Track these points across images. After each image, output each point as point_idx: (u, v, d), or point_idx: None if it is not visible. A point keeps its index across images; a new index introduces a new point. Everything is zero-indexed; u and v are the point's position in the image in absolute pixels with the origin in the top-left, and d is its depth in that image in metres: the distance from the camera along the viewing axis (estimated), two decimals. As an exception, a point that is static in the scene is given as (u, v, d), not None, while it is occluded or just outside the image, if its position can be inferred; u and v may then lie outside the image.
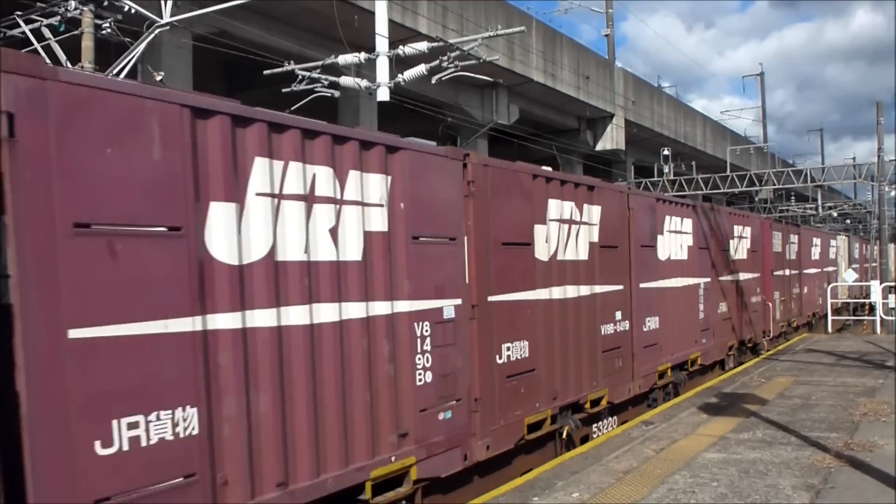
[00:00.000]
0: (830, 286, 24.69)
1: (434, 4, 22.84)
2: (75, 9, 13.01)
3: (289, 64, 17.61)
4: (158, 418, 4.73)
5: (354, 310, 6.21)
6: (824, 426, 9.64)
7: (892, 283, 24.51)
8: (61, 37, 13.44)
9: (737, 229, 16.80)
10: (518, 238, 8.44)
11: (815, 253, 24.83)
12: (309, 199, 5.86)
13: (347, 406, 6.11)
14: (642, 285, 11.62)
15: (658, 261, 12.34)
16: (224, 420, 5.13)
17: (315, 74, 17.64)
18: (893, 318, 22.78)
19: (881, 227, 32.67)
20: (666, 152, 37.66)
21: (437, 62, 17.03)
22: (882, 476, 7.31)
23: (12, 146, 4.15)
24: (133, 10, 13.36)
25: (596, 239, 10.18)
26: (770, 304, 19.03)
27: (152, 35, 13.47)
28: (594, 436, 10.19)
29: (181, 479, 4.81)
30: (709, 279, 14.61)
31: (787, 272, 21.08)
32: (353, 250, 6.22)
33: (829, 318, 23.18)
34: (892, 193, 33.75)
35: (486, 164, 8.04)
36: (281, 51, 19.74)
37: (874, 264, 37.71)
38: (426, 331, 6.98)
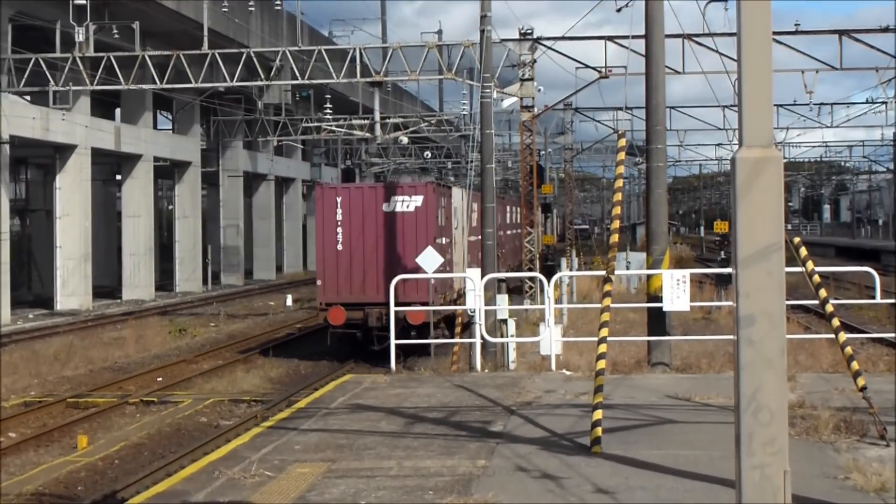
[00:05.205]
0: (394, 281, 15.34)
1: None
2: None
3: None
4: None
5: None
6: None
7: (502, 275, 18.80)
8: None
9: None
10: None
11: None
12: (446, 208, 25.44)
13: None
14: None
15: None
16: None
17: None
18: (506, 339, 15.26)
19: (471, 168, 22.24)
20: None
21: None
22: None
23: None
24: None
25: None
26: None
27: None
28: None
29: None
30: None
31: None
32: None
33: (392, 342, 14.58)
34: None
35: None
36: None
37: (473, 238, 26.27)
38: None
